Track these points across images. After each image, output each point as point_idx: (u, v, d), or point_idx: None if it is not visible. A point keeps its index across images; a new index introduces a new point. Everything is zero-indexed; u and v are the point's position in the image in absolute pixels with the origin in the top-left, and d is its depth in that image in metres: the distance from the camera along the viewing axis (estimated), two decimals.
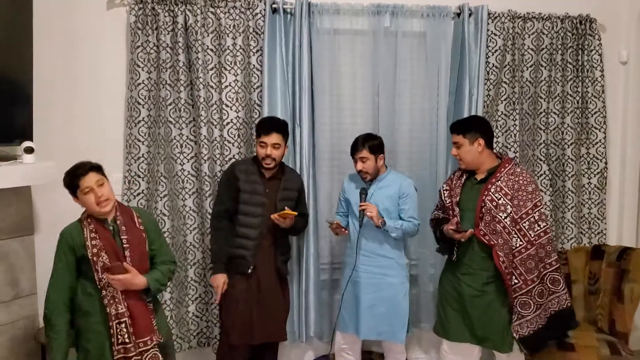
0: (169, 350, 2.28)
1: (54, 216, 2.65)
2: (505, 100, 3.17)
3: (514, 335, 2.47)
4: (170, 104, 2.86)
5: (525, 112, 3.23)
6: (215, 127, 2.91)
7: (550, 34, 3.20)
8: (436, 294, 2.87)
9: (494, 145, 2.71)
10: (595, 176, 3.33)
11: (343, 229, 2.72)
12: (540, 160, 3.28)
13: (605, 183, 3.34)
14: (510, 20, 3.14)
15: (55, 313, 2.07)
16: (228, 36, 2.89)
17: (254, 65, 2.94)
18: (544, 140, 3.27)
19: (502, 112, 3.18)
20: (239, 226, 2.62)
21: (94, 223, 2.10)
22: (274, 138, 2.60)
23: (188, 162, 2.92)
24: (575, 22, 3.22)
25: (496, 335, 2.51)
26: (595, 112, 3.29)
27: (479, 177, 2.55)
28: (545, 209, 3.19)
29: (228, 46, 2.90)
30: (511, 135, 3.18)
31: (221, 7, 2.87)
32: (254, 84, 2.95)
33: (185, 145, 2.91)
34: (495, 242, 2.43)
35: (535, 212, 2.44)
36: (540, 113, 3.26)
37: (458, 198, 2.56)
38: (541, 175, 3.27)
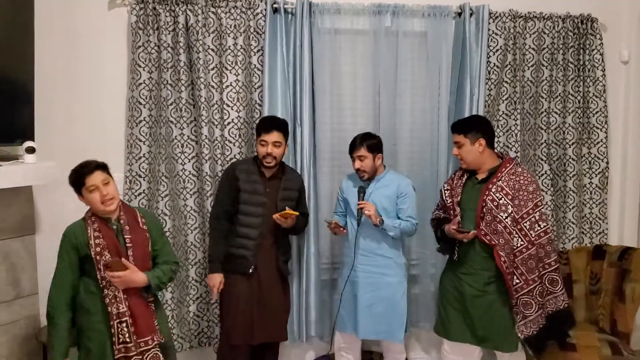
0: (170, 350, 2.28)
1: (55, 216, 2.66)
2: (506, 99, 3.17)
3: (519, 335, 2.47)
4: (171, 104, 2.87)
5: (526, 112, 3.23)
6: (216, 127, 2.91)
7: (551, 34, 3.20)
8: (437, 294, 2.87)
9: (495, 145, 2.71)
10: (596, 176, 3.32)
11: (341, 229, 2.73)
12: (542, 160, 3.28)
13: (607, 183, 3.34)
14: (511, 20, 3.13)
15: (57, 311, 2.08)
16: (229, 36, 2.90)
17: (254, 65, 2.94)
18: (545, 140, 3.27)
19: (503, 111, 3.18)
20: (240, 226, 2.63)
21: (97, 222, 2.10)
22: (274, 136, 2.60)
23: (189, 162, 2.93)
24: (577, 22, 3.22)
25: (497, 335, 2.51)
26: (596, 112, 3.29)
27: (480, 177, 2.55)
28: (547, 208, 3.20)
29: (229, 46, 2.90)
30: (512, 135, 3.18)
31: (222, 7, 2.87)
32: (255, 83, 2.96)
33: (187, 145, 2.92)
34: (496, 242, 2.43)
35: (536, 212, 2.44)
36: (542, 113, 3.26)
37: (459, 198, 2.56)
38: (542, 175, 3.27)
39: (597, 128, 3.30)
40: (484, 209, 2.46)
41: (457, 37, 3.09)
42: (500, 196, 2.44)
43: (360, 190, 2.70)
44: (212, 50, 2.88)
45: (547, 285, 2.47)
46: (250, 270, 2.61)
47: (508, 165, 2.51)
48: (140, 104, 2.83)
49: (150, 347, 2.12)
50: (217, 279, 2.62)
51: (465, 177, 2.60)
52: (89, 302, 2.10)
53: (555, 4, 3.20)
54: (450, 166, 3.09)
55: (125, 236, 2.13)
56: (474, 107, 3.06)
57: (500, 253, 2.42)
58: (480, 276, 2.51)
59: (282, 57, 2.92)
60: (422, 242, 3.12)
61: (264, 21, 2.89)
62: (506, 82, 3.16)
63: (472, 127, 2.54)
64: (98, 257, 2.06)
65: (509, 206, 2.42)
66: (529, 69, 3.20)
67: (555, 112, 3.26)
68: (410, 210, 2.72)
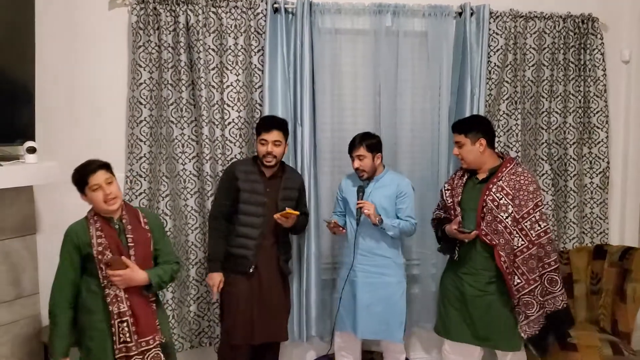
0: (170, 350, 2.28)
1: (56, 216, 2.66)
2: (507, 99, 3.17)
3: (522, 335, 2.46)
4: (172, 104, 2.87)
5: (527, 112, 3.23)
6: (217, 127, 2.91)
7: (552, 33, 3.19)
8: (437, 294, 2.86)
9: (496, 145, 2.71)
10: (597, 176, 3.32)
11: (340, 228, 2.73)
12: (542, 159, 3.27)
13: (608, 183, 3.33)
14: (512, 20, 3.13)
15: (58, 309, 2.09)
16: (229, 36, 2.90)
17: (255, 65, 2.95)
18: (546, 140, 3.27)
19: (504, 111, 3.18)
20: (240, 226, 2.63)
21: (100, 221, 2.11)
22: (274, 135, 2.60)
23: (190, 161, 2.93)
24: (577, 21, 3.21)
25: (499, 335, 2.50)
26: (597, 112, 3.29)
27: (481, 176, 2.55)
28: (547, 208, 3.20)
29: (229, 46, 2.90)
30: (513, 135, 3.18)
31: (223, 7, 2.87)
32: (256, 83, 2.96)
33: (187, 145, 2.92)
34: (497, 242, 2.43)
35: (536, 212, 2.44)
36: (542, 112, 3.26)
37: (459, 198, 2.56)
38: (543, 174, 3.27)
39: (598, 128, 3.29)
40: (485, 209, 2.45)
41: (458, 36, 3.09)
42: (501, 196, 2.44)
43: (360, 190, 2.70)
44: (213, 50, 2.88)
45: (546, 285, 2.47)
46: (251, 270, 2.61)
47: (508, 165, 2.51)
48: (141, 104, 2.84)
49: (151, 346, 2.12)
50: (216, 278, 2.62)
51: (466, 177, 2.60)
52: (90, 302, 2.10)
53: (555, 3, 3.20)
54: (450, 166, 3.09)
55: (128, 235, 2.13)
56: (474, 107, 3.06)
57: (501, 253, 2.42)
58: (481, 276, 2.51)
59: (283, 57, 2.92)
60: (422, 242, 3.12)
61: (265, 21, 2.89)
62: (507, 81, 3.16)
63: (473, 127, 2.53)
64: (100, 257, 2.06)
65: (510, 206, 2.42)
66: (529, 68, 3.19)
67: (556, 112, 3.26)
68: (409, 210, 2.72)
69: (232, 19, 2.90)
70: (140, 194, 2.87)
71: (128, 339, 2.07)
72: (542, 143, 3.27)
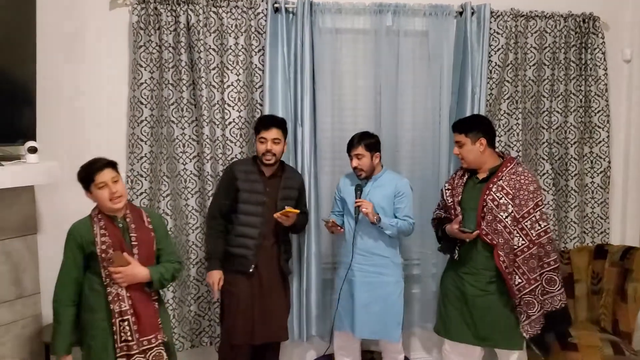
0: (171, 349, 2.29)
1: (57, 216, 2.67)
2: (507, 99, 3.16)
3: (525, 335, 2.46)
4: (172, 104, 2.87)
5: (528, 111, 3.22)
6: (218, 127, 2.91)
7: (553, 33, 3.19)
8: (438, 294, 2.86)
9: (497, 145, 2.71)
10: (598, 175, 3.31)
11: (338, 227, 2.73)
12: (543, 159, 3.27)
13: (609, 182, 3.33)
14: (512, 19, 3.12)
15: (61, 306, 2.10)
16: (230, 36, 2.90)
17: (255, 65, 2.95)
18: (546, 139, 3.26)
19: (504, 111, 3.17)
20: (240, 225, 2.63)
21: (104, 219, 2.11)
22: (273, 133, 2.60)
23: (190, 161, 2.93)
24: (579, 21, 3.21)
25: (500, 335, 2.50)
26: (598, 111, 3.28)
27: (481, 176, 2.55)
28: (548, 208, 3.20)
29: (230, 46, 2.90)
30: (514, 134, 3.17)
31: (223, 6, 2.87)
32: (256, 83, 2.96)
33: (188, 145, 2.92)
34: (497, 241, 2.43)
35: (536, 212, 2.43)
36: (543, 112, 3.25)
37: (460, 197, 2.56)
38: (544, 174, 3.27)
39: (599, 127, 3.29)
40: (485, 209, 2.45)
41: (459, 36, 3.08)
42: (501, 195, 2.44)
43: (358, 188, 2.71)
44: (213, 50, 2.89)
45: (544, 284, 2.47)
46: (251, 270, 2.61)
47: (509, 164, 2.51)
48: (142, 103, 2.84)
49: (153, 345, 2.13)
50: (216, 276, 2.62)
51: (466, 176, 2.60)
52: (92, 300, 2.11)
53: (556, 2, 3.19)
54: (451, 165, 3.09)
55: (131, 234, 2.14)
56: (475, 106, 3.05)
57: (500, 253, 2.42)
58: (482, 275, 2.50)
59: (283, 56, 2.92)
60: (423, 241, 3.12)
61: (265, 21, 2.89)
62: (508, 81, 3.15)
63: (473, 126, 2.53)
64: (103, 255, 2.07)
65: (509, 206, 2.42)
66: (530, 68, 3.19)
67: (557, 112, 3.25)
68: (407, 209, 2.73)
69: (233, 19, 2.90)
70: (141, 193, 2.87)
71: (129, 338, 2.07)
72: (543, 142, 3.27)
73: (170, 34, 2.82)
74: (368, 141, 2.71)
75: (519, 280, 2.42)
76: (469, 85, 3.05)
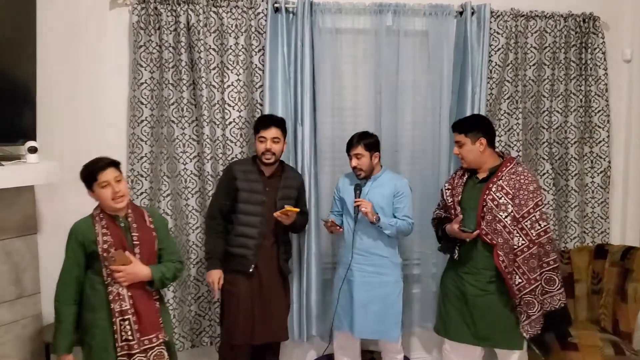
0: (171, 349, 2.29)
1: (58, 216, 2.67)
2: (508, 99, 3.16)
3: (525, 335, 2.46)
4: (172, 104, 2.87)
5: (528, 111, 3.22)
6: (218, 127, 2.92)
7: (553, 32, 3.19)
8: (438, 293, 2.86)
9: (497, 144, 2.71)
10: (598, 175, 3.31)
11: (337, 227, 2.73)
12: (543, 159, 3.27)
13: (609, 182, 3.33)
14: (513, 19, 3.12)
15: (62, 305, 2.11)
16: (230, 36, 2.90)
17: (256, 65, 2.95)
18: (547, 139, 3.26)
19: (504, 110, 3.17)
20: (240, 225, 2.63)
21: (106, 219, 2.12)
22: (273, 132, 2.61)
23: (191, 161, 2.93)
24: (579, 20, 3.21)
25: (500, 335, 2.50)
26: (598, 111, 3.28)
27: (481, 176, 2.55)
28: (548, 208, 3.20)
29: (230, 46, 2.90)
30: (514, 134, 3.17)
31: (223, 6, 2.87)
32: (256, 83, 2.96)
33: (188, 145, 2.92)
34: (497, 241, 2.43)
35: (536, 211, 2.43)
36: (543, 112, 3.25)
37: (460, 197, 2.56)
38: (544, 174, 3.26)
39: (599, 127, 3.29)
40: (485, 208, 2.45)
41: (459, 36, 3.08)
42: (501, 195, 2.44)
43: (357, 188, 2.71)
44: (214, 49, 2.89)
45: (543, 284, 2.47)
46: (251, 270, 2.61)
47: (509, 164, 2.51)
48: (142, 103, 2.84)
49: (154, 344, 2.13)
50: (216, 275, 2.62)
51: (466, 176, 2.60)
52: (93, 299, 2.11)
53: (556, 2, 3.19)
54: (451, 165, 3.09)
55: (133, 234, 2.15)
56: (475, 106, 3.05)
57: (499, 252, 2.42)
58: (482, 275, 2.50)
59: (283, 56, 2.92)
60: (423, 241, 3.12)
61: (265, 21, 2.89)
62: (508, 81, 3.15)
63: (473, 126, 2.53)
64: (105, 254, 2.07)
65: (509, 205, 2.42)
66: (530, 67, 3.19)
67: (557, 111, 3.25)
68: (406, 209, 2.73)
69: (233, 19, 2.90)
70: (142, 193, 2.87)
71: (130, 337, 2.07)
72: (543, 142, 3.26)
73: (171, 33, 2.82)
74: (367, 141, 2.71)
75: (519, 280, 2.42)
76: (469, 85, 3.05)
